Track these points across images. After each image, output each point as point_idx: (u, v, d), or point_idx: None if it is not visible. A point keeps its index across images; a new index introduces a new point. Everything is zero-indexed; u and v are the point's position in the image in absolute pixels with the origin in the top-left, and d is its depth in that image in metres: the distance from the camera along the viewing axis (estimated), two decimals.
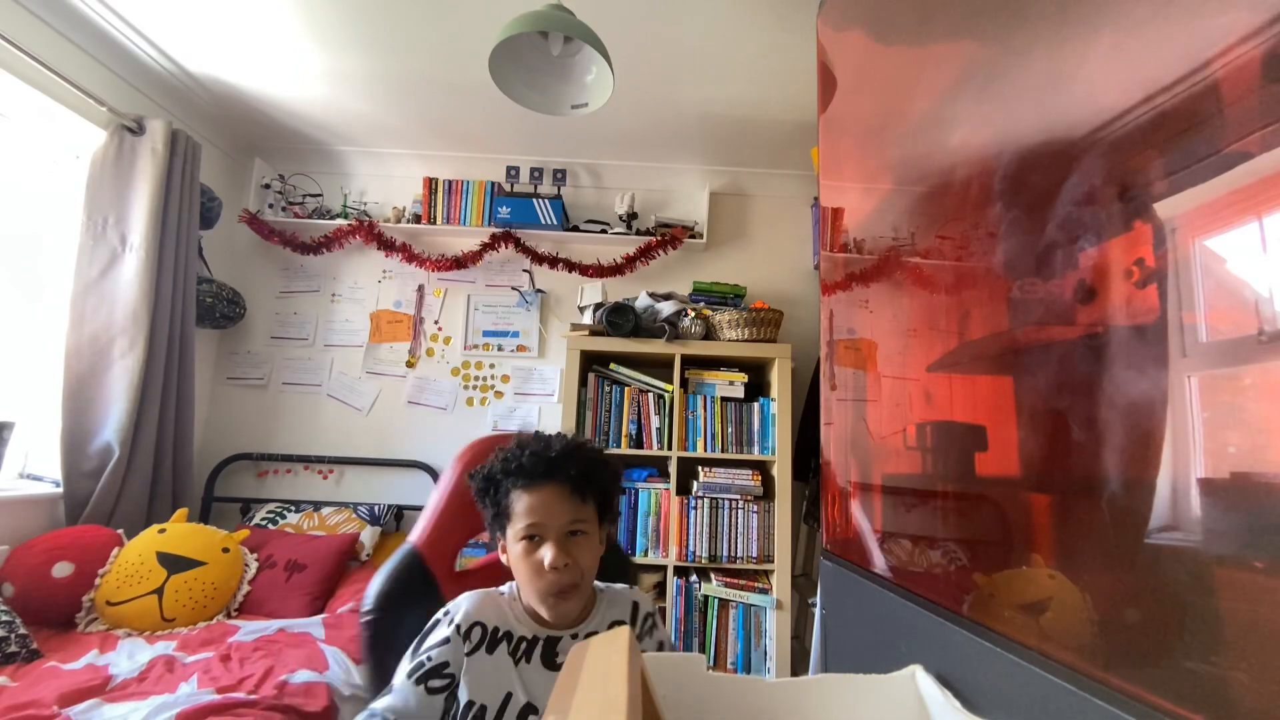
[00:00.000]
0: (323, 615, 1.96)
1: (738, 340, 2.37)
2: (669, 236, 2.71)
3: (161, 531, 1.97)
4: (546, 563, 0.85)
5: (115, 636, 1.72)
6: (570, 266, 2.75)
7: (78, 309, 2.07)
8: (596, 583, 0.99)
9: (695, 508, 2.26)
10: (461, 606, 0.92)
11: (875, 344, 0.59)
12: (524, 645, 0.91)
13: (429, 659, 0.87)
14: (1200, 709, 0.23)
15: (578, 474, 0.89)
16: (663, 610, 2.20)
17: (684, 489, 2.32)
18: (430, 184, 2.81)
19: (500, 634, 0.92)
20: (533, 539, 0.87)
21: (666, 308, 2.41)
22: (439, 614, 0.93)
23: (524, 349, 2.80)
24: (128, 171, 2.16)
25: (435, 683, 0.86)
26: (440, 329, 2.83)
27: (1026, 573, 0.35)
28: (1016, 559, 0.36)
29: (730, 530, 2.25)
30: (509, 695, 0.88)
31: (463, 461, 1.21)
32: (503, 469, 0.91)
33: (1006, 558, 0.37)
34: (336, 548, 2.22)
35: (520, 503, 0.89)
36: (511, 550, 0.90)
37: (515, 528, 0.89)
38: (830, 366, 0.68)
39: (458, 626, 0.89)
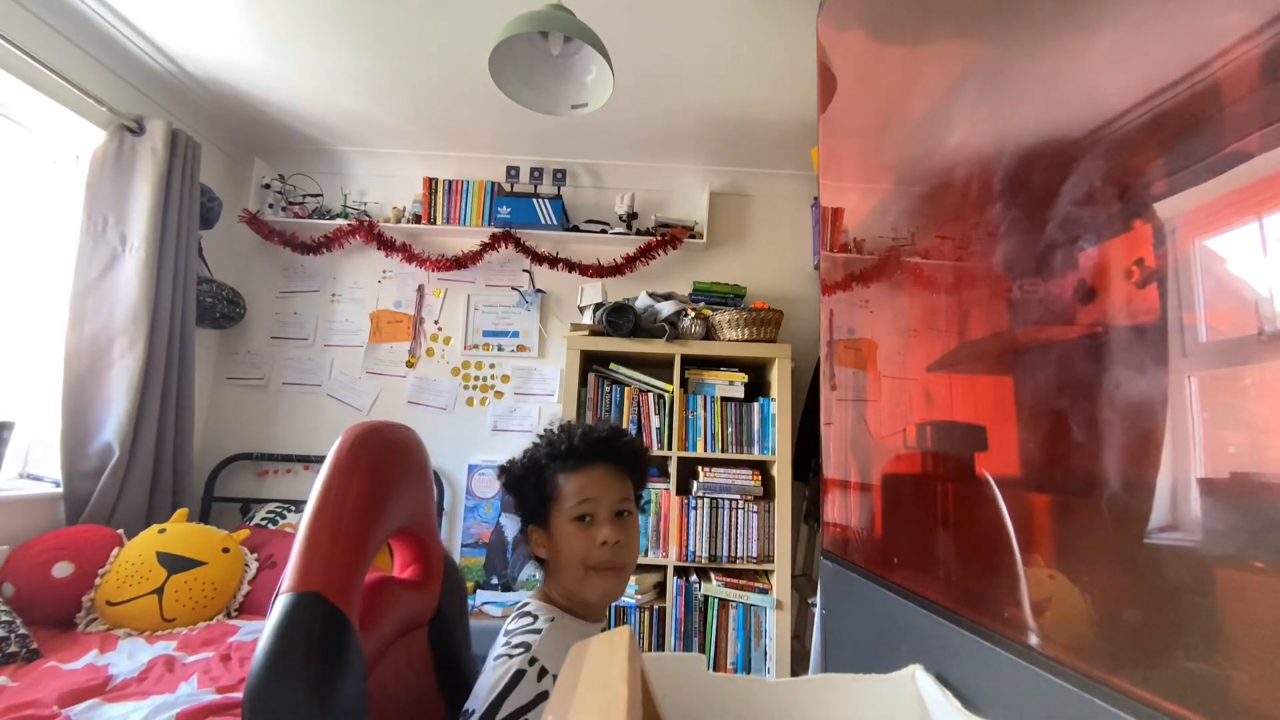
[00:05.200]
0: None
1: (738, 340, 2.37)
2: (669, 236, 2.71)
3: (161, 531, 1.97)
4: (601, 538, 0.85)
5: (115, 636, 1.72)
6: (570, 266, 2.75)
7: (78, 309, 2.07)
8: None
9: (695, 508, 2.26)
10: (553, 652, 0.77)
11: (875, 344, 0.59)
12: None
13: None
14: (1200, 709, 0.23)
15: (627, 454, 0.92)
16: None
17: (684, 489, 2.32)
18: (430, 184, 2.81)
19: None
20: (583, 519, 0.87)
21: (666, 308, 2.41)
22: (523, 663, 0.75)
23: (524, 349, 2.80)
24: (128, 171, 2.16)
25: None
26: (440, 329, 2.83)
27: (1026, 573, 0.35)
28: (1016, 559, 0.36)
29: (730, 530, 2.25)
30: None
31: (354, 457, 0.82)
32: (549, 453, 0.92)
33: (1007, 558, 0.37)
34: None
35: (571, 484, 0.89)
36: (560, 533, 0.88)
37: (565, 508, 0.88)
38: (830, 366, 0.68)
39: (554, 678, 0.75)
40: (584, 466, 0.90)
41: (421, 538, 0.98)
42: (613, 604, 0.94)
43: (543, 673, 0.74)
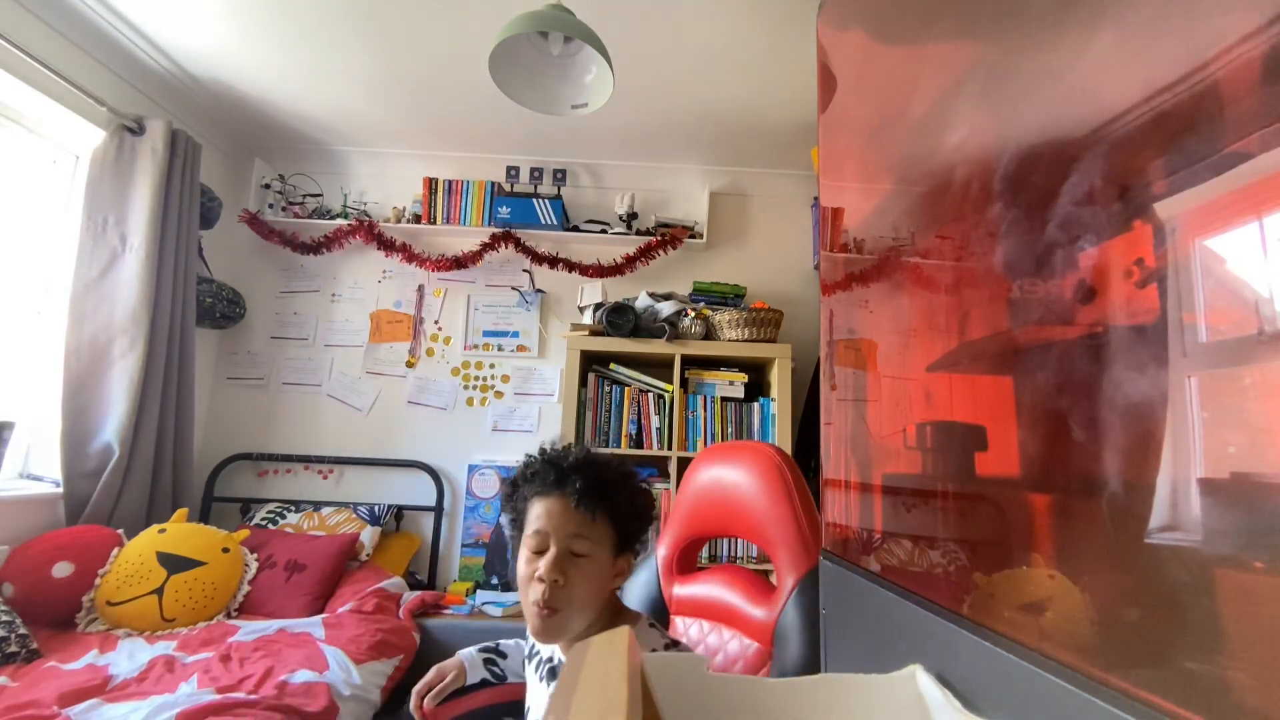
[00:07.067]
0: (323, 615, 1.96)
1: (738, 340, 2.37)
2: (669, 236, 2.71)
3: (161, 531, 1.97)
4: (536, 572, 0.83)
5: (115, 636, 1.72)
6: (570, 266, 2.75)
7: (78, 309, 2.07)
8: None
9: None
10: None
11: (875, 344, 0.59)
12: (543, 666, 0.95)
13: (512, 639, 1.17)
14: (1200, 709, 0.23)
15: (583, 487, 0.86)
16: None
17: None
18: (430, 184, 2.81)
19: (534, 650, 0.99)
20: (537, 552, 0.85)
21: (666, 308, 2.41)
22: None
23: (524, 349, 2.80)
24: (128, 171, 2.16)
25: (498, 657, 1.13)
26: (440, 329, 2.83)
27: (1026, 573, 0.35)
28: (1016, 559, 0.36)
29: None
30: (529, 709, 0.96)
31: (690, 469, 1.28)
32: (523, 475, 0.92)
33: (1006, 558, 0.37)
34: (336, 548, 2.23)
35: (533, 510, 0.88)
36: (519, 558, 0.88)
37: (525, 534, 0.88)
38: (830, 366, 0.68)
39: (525, 634, 1.04)
40: (546, 493, 0.88)
41: (770, 553, 1.07)
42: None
43: None
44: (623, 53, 1.98)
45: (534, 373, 2.78)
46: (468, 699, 1.06)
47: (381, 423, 2.76)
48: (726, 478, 1.16)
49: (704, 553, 2.27)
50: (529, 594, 0.84)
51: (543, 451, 0.93)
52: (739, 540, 2.27)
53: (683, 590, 1.19)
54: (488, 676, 1.08)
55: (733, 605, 1.08)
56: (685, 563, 1.24)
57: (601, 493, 0.87)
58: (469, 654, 1.09)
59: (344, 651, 1.70)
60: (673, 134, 2.61)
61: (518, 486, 0.92)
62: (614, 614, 0.92)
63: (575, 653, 0.35)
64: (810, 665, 0.91)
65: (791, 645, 0.94)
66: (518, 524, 0.91)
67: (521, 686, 1.08)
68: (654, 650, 0.86)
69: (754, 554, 2.26)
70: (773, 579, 1.09)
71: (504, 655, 1.11)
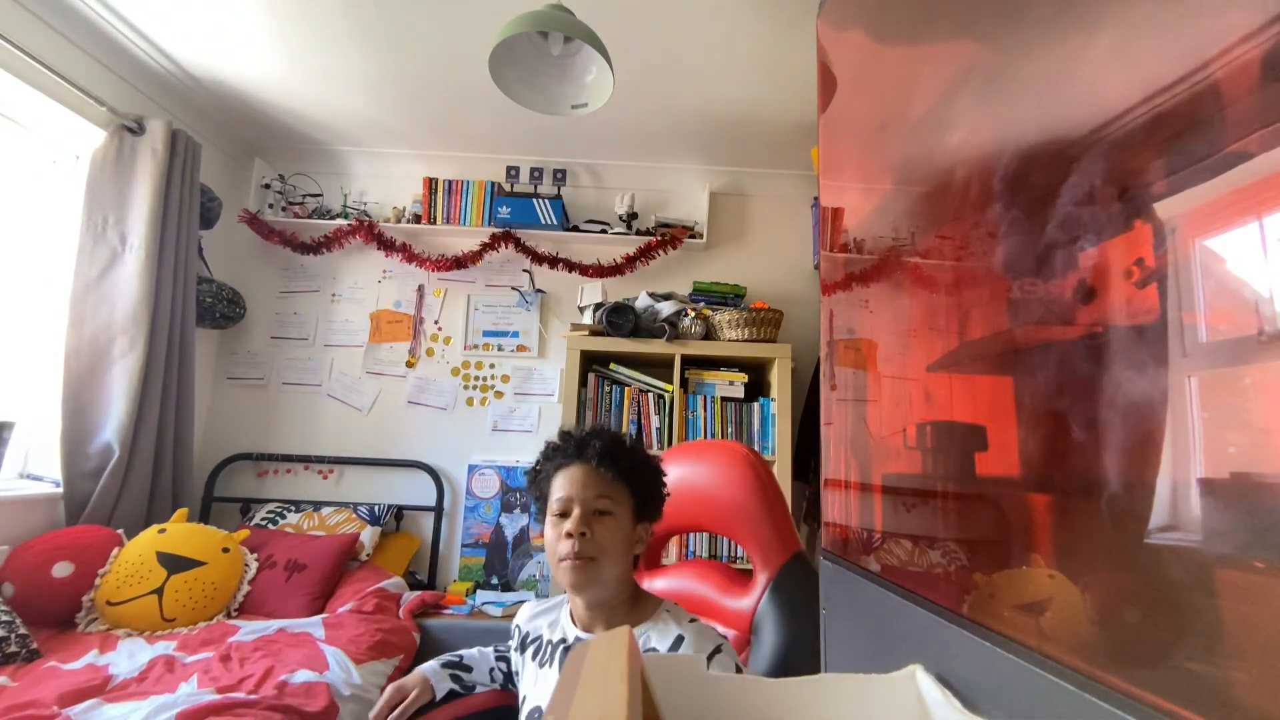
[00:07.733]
0: (323, 615, 1.96)
1: (738, 340, 2.37)
2: (669, 236, 2.71)
3: (161, 531, 1.97)
4: (565, 529, 0.89)
5: (115, 636, 1.72)
6: (570, 266, 2.75)
7: (78, 309, 2.07)
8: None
9: None
10: (522, 609, 1.09)
11: (875, 344, 0.59)
12: (548, 649, 0.98)
13: (507, 640, 1.14)
14: (1200, 709, 0.23)
15: (602, 448, 0.94)
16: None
17: None
18: (430, 184, 2.81)
19: (530, 639, 1.02)
20: (563, 515, 0.92)
21: (666, 308, 2.41)
22: None
23: (524, 349, 2.80)
24: (128, 171, 2.16)
25: (500, 649, 1.15)
26: (440, 329, 2.83)
27: (1026, 573, 0.35)
28: (1016, 559, 0.36)
29: None
30: (525, 697, 0.97)
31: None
32: (545, 454, 0.99)
33: (1006, 558, 0.37)
34: (336, 548, 2.22)
35: (557, 481, 0.95)
36: (545, 529, 0.94)
37: (550, 504, 0.94)
38: (830, 366, 0.68)
39: (515, 624, 1.08)
40: (568, 464, 0.95)
41: (744, 546, 1.11)
42: (592, 600, 0.94)
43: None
44: (623, 53, 1.98)
45: (534, 373, 2.78)
46: (439, 711, 1.06)
47: (381, 423, 2.75)
48: (696, 475, 1.19)
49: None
50: (558, 551, 0.90)
51: (563, 431, 1.01)
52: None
53: (651, 585, 1.24)
54: (455, 688, 1.09)
55: (706, 597, 1.13)
56: (651, 558, 1.30)
57: (617, 455, 0.95)
58: (431, 667, 1.09)
59: (344, 651, 1.70)
60: (673, 134, 2.61)
61: (540, 469, 0.99)
62: (636, 592, 0.97)
63: (575, 653, 0.35)
64: (787, 651, 0.98)
65: (768, 632, 1.01)
66: (543, 501, 0.97)
67: (491, 695, 1.09)
68: (692, 622, 0.92)
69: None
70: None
71: (469, 669, 1.12)
